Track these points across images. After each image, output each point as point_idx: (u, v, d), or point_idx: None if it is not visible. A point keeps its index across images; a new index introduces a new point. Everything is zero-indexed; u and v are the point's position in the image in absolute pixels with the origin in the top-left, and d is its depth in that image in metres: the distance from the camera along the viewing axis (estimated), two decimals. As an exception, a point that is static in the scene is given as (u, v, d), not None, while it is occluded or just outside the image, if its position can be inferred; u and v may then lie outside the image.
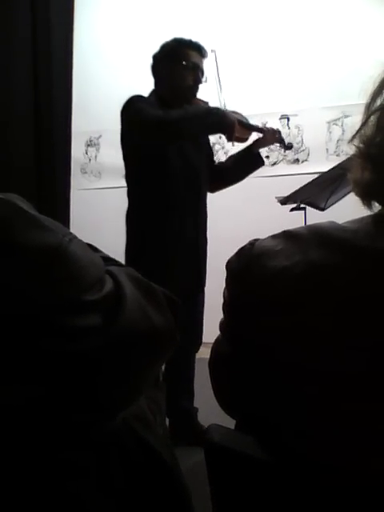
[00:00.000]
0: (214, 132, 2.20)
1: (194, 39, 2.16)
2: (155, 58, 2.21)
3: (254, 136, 2.29)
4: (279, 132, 2.28)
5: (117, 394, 0.58)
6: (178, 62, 2.12)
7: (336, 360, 0.55)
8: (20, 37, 2.77)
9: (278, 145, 2.35)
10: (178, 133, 2.01)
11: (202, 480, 0.73)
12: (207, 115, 2.04)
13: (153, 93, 2.20)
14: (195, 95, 2.18)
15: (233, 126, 2.06)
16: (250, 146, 2.28)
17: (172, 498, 0.69)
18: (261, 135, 2.27)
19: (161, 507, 0.67)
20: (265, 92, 3.94)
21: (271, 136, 2.25)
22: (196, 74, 2.13)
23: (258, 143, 2.28)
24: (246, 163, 2.29)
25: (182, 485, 0.70)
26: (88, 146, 4.55)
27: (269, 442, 0.61)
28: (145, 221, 2.12)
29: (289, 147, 2.37)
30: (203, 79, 2.17)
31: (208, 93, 2.23)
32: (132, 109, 2.06)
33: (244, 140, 2.25)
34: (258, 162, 2.30)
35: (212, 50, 2.21)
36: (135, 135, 2.09)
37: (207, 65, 2.21)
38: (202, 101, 2.21)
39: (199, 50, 2.15)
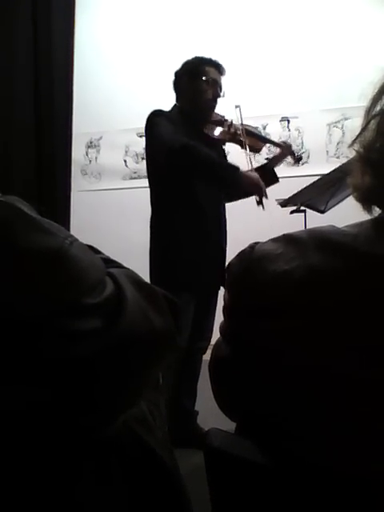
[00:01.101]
0: (220, 186, 2.31)
1: (213, 58, 2.32)
2: (177, 74, 2.36)
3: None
4: (290, 145, 2.51)
5: (117, 396, 0.58)
6: (198, 78, 2.28)
7: (337, 363, 0.55)
8: (21, 39, 2.77)
9: (290, 157, 2.55)
10: (188, 166, 2.12)
11: (202, 483, 0.73)
12: (220, 169, 2.18)
13: (175, 107, 2.35)
14: (213, 109, 2.33)
15: (241, 187, 2.19)
16: (267, 163, 2.45)
17: (172, 500, 0.69)
18: (278, 149, 2.47)
19: (160, 509, 0.67)
20: (265, 94, 3.94)
21: (286, 150, 2.45)
22: (215, 89, 2.29)
23: (276, 159, 2.47)
24: (263, 179, 2.30)
25: (181, 487, 0.70)
26: (88, 147, 4.55)
27: (269, 444, 0.61)
28: (174, 224, 2.23)
29: (298, 159, 2.66)
30: (221, 94, 2.32)
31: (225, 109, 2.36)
32: (150, 125, 2.22)
33: (258, 150, 2.44)
34: (273, 179, 2.40)
35: (236, 106, 2.39)
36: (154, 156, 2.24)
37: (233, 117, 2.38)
38: (219, 115, 2.37)
39: (218, 68, 2.31)
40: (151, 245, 2.29)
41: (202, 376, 2.28)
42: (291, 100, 3.97)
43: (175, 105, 2.36)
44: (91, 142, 4.55)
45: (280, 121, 4.12)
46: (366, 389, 0.54)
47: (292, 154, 2.46)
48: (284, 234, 0.65)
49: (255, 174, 2.21)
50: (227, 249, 2.31)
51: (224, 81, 2.34)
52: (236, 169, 2.16)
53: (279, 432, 0.61)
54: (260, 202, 2.22)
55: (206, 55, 2.34)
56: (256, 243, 0.67)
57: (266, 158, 2.49)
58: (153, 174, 2.30)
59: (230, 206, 2.48)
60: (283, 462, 0.59)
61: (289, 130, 4.10)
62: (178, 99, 2.37)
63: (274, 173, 2.42)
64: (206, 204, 2.23)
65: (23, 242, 0.50)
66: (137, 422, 0.66)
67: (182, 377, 2.27)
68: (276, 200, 2.41)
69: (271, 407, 0.62)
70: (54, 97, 2.86)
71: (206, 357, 2.18)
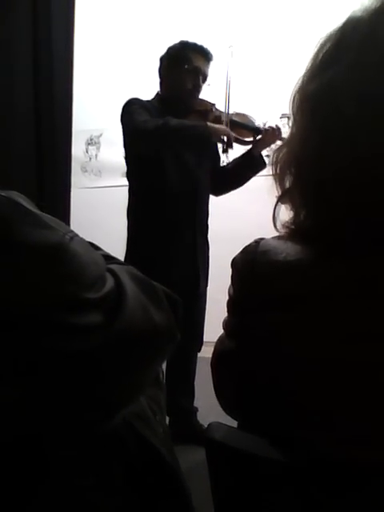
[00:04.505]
0: (192, 146, 2.15)
1: (199, 43, 2.15)
2: (161, 59, 2.22)
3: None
4: (280, 130, 2.18)
5: (117, 392, 0.58)
6: (179, 65, 2.13)
7: (342, 352, 0.55)
8: (21, 36, 2.77)
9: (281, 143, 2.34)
10: (155, 142, 2.03)
11: (202, 479, 0.73)
12: (186, 128, 2.05)
13: (156, 95, 2.22)
14: (194, 98, 2.17)
15: (209, 139, 2.08)
16: (251, 148, 2.23)
17: (172, 496, 0.69)
18: (260, 136, 2.21)
19: (161, 505, 0.67)
20: (265, 91, 3.93)
21: (271, 136, 2.16)
22: (196, 78, 2.13)
23: (258, 145, 2.20)
24: (247, 166, 2.23)
25: (181, 483, 0.70)
26: (88, 144, 4.55)
27: (272, 437, 0.61)
28: (140, 220, 2.16)
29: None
30: (205, 84, 2.16)
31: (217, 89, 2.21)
32: (123, 113, 2.11)
33: (245, 143, 2.23)
34: (260, 165, 2.23)
35: (230, 46, 2.21)
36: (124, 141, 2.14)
37: (222, 61, 2.20)
38: (209, 103, 2.21)
39: (204, 54, 2.14)
40: (126, 243, 2.20)
41: (203, 373, 2.27)
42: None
43: (157, 93, 2.23)
44: (91, 139, 4.54)
45: (280, 118, 4.12)
46: (372, 377, 0.54)
47: (282, 139, 2.10)
48: (290, 231, 0.66)
49: (217, 125, 2.11)
50: (225, 248, 2.24)
51: (223, 77, 2.22)
52: (203, 125, 2.06)
53: (284, 423, 0.61)
54: (226, 149, 2.11)
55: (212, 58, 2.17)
56: (261, 239, 0.68)
57: (252, 143, 2.23)
58: (127, 164, 2.23)
59: (228, 205, 2.47)
60: (287, 454, 0.59)
61: (289, 127, 4.09)
62: (160, 85, 2.23)
63: (261, 157, 2.23)
64: (177, 202, 2.12)
65: (23, 237, 0.50)
66: (136, 418, 0.66)
67: (178, 376, 2.25)
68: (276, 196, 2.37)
69: (276, 398, 0.62)
70: (53, 94, 2.85)
71: (203, 354, 2.17)
